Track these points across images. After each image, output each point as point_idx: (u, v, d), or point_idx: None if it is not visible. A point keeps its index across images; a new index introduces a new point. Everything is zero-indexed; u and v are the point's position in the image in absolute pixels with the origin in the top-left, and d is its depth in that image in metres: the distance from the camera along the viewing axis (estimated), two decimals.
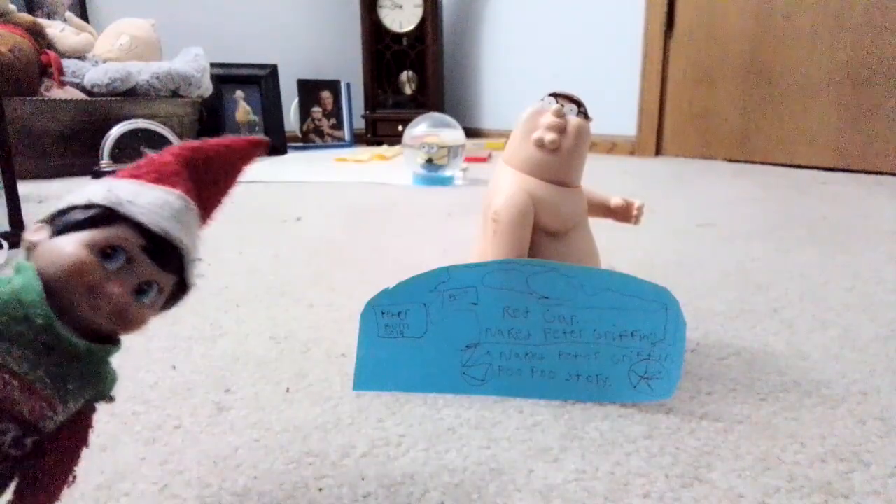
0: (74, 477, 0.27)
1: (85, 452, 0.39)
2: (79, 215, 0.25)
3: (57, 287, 0.24)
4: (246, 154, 0.31)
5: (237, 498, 0.35)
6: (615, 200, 0.55)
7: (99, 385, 0.26)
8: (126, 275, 0.25)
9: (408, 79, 2.81)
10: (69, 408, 0.25)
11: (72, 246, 0.24)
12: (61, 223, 0.25)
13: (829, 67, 1.77)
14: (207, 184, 0.30)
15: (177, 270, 0.27)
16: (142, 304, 0.26)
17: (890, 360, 0.52)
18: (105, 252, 0.24)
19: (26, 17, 1.83)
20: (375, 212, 1.22)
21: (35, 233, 0.25)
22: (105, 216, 0.25)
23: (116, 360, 0.53)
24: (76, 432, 0.26)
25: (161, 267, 0.26)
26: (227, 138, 0.31)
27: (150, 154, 0.29)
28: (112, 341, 0.26)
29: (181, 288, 0.29)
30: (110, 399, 0.27)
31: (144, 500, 0.34)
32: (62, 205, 0.25)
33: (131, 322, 0.25)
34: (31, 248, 0.25)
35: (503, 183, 0.50)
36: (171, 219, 0.26)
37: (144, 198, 0.26)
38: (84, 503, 0.34)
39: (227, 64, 2.37)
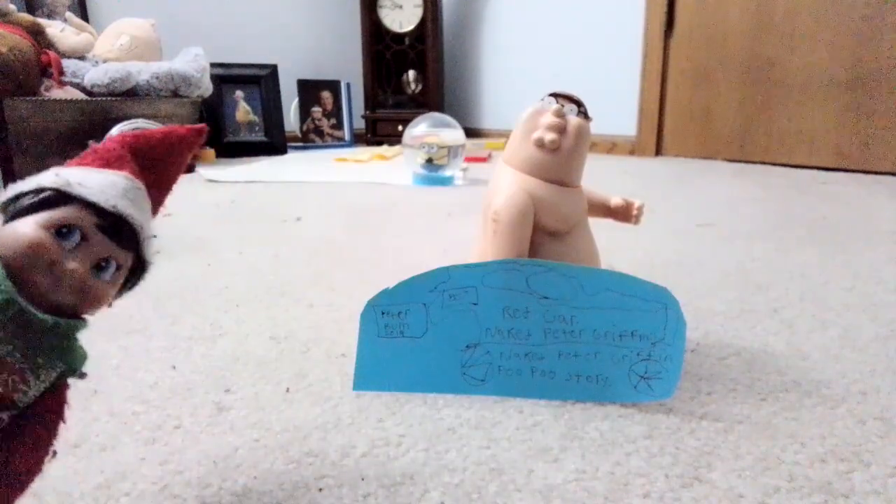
0: (55, 452, 0.27)
1: (85, 452, 0.39)
2: (30, 200, 0.26)
3: (17, 267, 0.24)
4: (188, 141, 0.32)
5: (237, 498, 0.35)
6: (615, 200, 0.55)
7: (68, 358, 0.27)
8: (83, 252, 0.26)
9: (414, 78, 2.81)
10: (41, 381, 0.26)
11: (28, 227, 0.25)
12: (13, 209, 0.26)
13: (829, 67, 1.77)
14: (153, 169, 0.31)
15: (133, 248, 0.28)
16: (101, 280, 0.27)
17: (890, 360, 0.52)
18: (60, 231, 0.25)
19: (26, 17, 1.83)
20: (375, 212, 1.22)
21: None
22: (56, 199, 0.26)
23: (116, 361, 0.53)
24: (51, 407, 0.27)
25: (117, 244, 0.27)
26: (169, 126, 0.31)
27: (95, 144, 0.29)
28: (76, 318, 0.27)
29: (140, 266, 0.30)
30: (82, 375, 0.28)
31: (144, 500, 0.34)
32: (11, 192, 0.26)
33: (92, 297, 0.27)
34: None
35: (503, 183, 0.50)
36: (121, 196, 0.27)
37: (92, 180, 0.27)
38: (84, 503, 0.34)
39: (227, 64, 2.37)
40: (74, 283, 0.25)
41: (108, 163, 0.28)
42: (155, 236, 0.30)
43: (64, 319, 0.26)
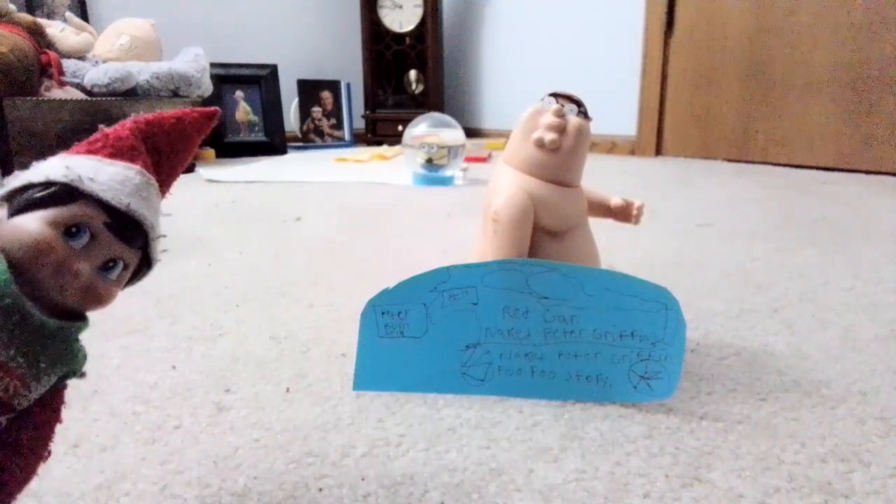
0: (49, 452, 0.27)
1: (85, 452, 0.39)
2: (38, 193, 0.24)
3: (22, 266, 0.24)
4: (200, 125, 0.31)
5: (237, 498, 0.35)
6: (615, 200, 0.55)
7: (70, 362, 0.26)
8: (91, 252, 0.25)
9: (416, 78, 2.81)
10: (42, 385, 0.25)
11: (36, 224, 0.24)
12: (20, 202, 0.24)
13: (829, 67, 1.77)
14: (164, 157, 0.30)
15: (141, 246, 0.27)
16: (108, 280, 0.26)
17: (890, 360, 0.52)
18: (69, 230, 0.24)
19: (26, 17, 1.83)
20: (375, 212, 1.22)
21: None
22: (65, 194, 0.25)
23: (116, 360, 0.53)
24: (49, 409, 0.26)
25: (126, 243, 0.26)
26: (179, 110, 0.30)
27: (105, 129, 0.28)
28: (80, 318, 0.27)
29: (146, 264, 0.29)
30: (82, 375, 0.28)
31: (144, 500, 0.34)
32: (17, 182, 0.25)
33: (99, 299, 0.25)
34: None
35: (503, 183, 0.50)
36: (133, 194, 0.26)
37: (104, 174, 0.26)
38: (84, 503, 0.34)
39: (227, 64, 2.37)
40: (82, 286, 0.25)
41: (119, 152, 0.27)
42: (164, 235, 0.29)
43: (67, 322, 0.25)
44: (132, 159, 0.27)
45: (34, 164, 0.26)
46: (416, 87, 2.83)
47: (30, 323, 0.24)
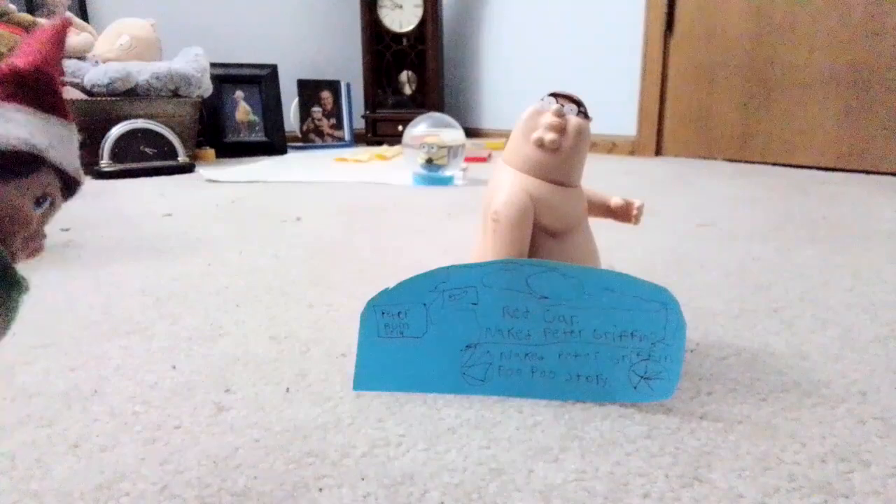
0: None
1: (85, 452, 0.39)
2: (2, 161, 0.25)
3: (1, 233, 0.25)
4: (59, 41, 0.29)
5: (237, 498, 0.35)
6: (615, 200, 0.55)
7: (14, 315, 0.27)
8: (47, 213, 0.27)
9: (408, 79, 2.81)
10: None
11: (18, 199, 0.25)
12: None
13: (829, 67, 1.77)
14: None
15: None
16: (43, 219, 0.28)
17: (890, 360, 0.52)
18: (38, 200, 0.26)
19: (26, 17, 1.83)
20: (375, 212, 1.22)
21: None
22: (30, 160, 0.26)
23: (116, 360, 0.53)
24: None
25: (65, 196, 0.28)
26: (36, 40, 0.28)
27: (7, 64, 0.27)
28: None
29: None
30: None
31: (144, 500, 0.34)
32: None
33: (41, 249, 0.28)
34: None
35: (503, 183, 0.50)
36: (76, 155, 0.28)
37: (54, 136, 0.27)
38: (84, 503, 0.34)
39: (227, 64, 2.37)
40: (38, 246, 0.27)
41: (40, 100, 0.27)
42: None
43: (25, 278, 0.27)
44: (54, 106, 0.28)
45: None
46: (409, 88, 2.82)
47: (8, 280, 0.25)
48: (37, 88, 0.27)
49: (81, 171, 0.28)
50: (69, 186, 0.28)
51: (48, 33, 0.28)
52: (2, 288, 0.25)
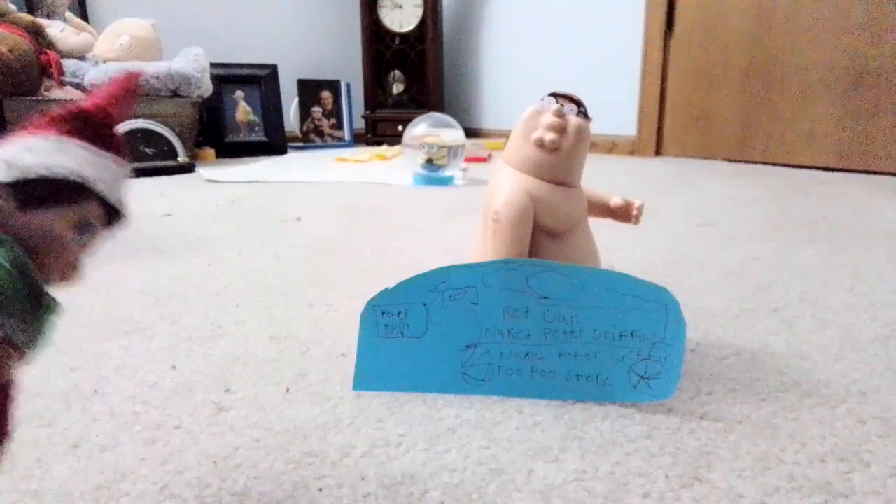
0: (8, 433, 0.29)
1: (85, 452, 0.39)
2: (49, 188, 0.26)
3: (38, 257, 0.26)
4: (129, 91, 0.31)
5: (237, 498, 0.35)
6: (615, 200, 0.55)
7: (47, 336, 0.28)
8: (88, 244, 0.28)
9: (394, 78, 2.80)
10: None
11: (59, 226, 0.26)
12: (29, 193, 0.26)
13: (829, 67, 1.77)
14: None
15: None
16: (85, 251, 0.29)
17: (890, 360, 0.52)
18: (79, 228, 0.27)
19: (26, 17, 1.83)
20: (375, 212, 1.22)
21: None
22: (75, 189, 0.26)
23: (116, 360, 0.53)
24: (5, 386, 0.28)
25: (108, 228, 0.29)
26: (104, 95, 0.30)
27: (70, 107, 0.28)
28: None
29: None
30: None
31: (144, 500, 0.34)
32: (23, 171, 0.25)
33: (80, 279, 0.28)
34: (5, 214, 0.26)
35: (503, 183, 0.50)
36: (121, 189, 0.29)
37: (103, 170, 0.28)
38: (84, 503, 0.34)
39: (227, 64, 2.37)
40: (79, 274, 0.27)
41: (95, 137, 0.28)
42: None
43: (57, 303, 0.27)
44: (113, 144, 0.29)
45: (19, 139, 0.26)
46: (397, 88, 2.82)
47: (42, 303, 0.26)
48: (97, 128, 0.28)
49: (127, 206, 0.29)
50: (113, 218, 0.29)
51: (120, 84, 0.30)
52: (35, 311, 0.25)
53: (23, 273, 0.24)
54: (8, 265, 0.24)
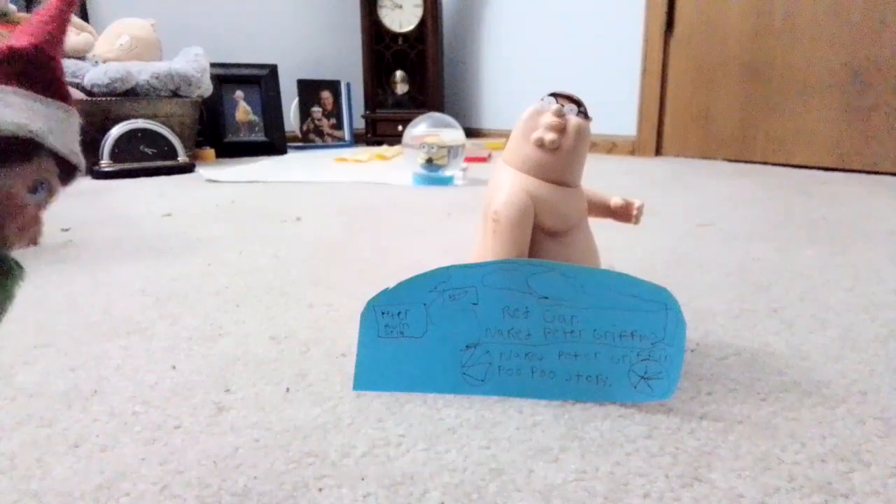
0: None
1: (85, 452, 0.39)
2: (2, 146, 0.24)
3: None
4: (62, 19, 0.28)
5: (237, 498, 0.35)
6: (615, 200, 0.55)
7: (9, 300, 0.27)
8: (44, 199, 0.27)
9: (401, 78, 2.81)
10: None
11: (12, 186, 0.25)
12: None
13: (829, 67, 1.77)
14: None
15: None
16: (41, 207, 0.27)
17: (890, 360, 0.52)
18: (34, 187, 0.26)
19: (27, 17, 1.83)
20: (375, 212, 1.22)
21: None
22: (27, 146, 0.25)
23: (116, 360, 0.53)
24: None
25: (63, 182, 0.28)
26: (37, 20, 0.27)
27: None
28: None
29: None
30: None
31: (144, 500, 0.34)
32: None
33: (39, 235, 0.27)
34: None
35: (503, 183, 0.50)
36: (75, 138, 0.27)
37: (53, 121, 0.26)
38: (84, 503, 0.34)
39: (227, 64, 2.37)
40: (35, 234, 0.26)
41: (38, 82, 0.26)
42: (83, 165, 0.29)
43: (20, 268, 0.26)
44: (56, 90, 0.27)
45: None
46: (401, 88, 2.82)
47: (3, 273, 0.25)
48: (36, 70, 0.26)
49: (81, 156, 0.27)
50: (68, 172, 0.27)
51: (51, 11, 0.26)
52: None
53: None
54: None
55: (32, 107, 0.25)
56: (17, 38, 0.26)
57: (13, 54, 0.25)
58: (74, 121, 0.27)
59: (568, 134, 0.49)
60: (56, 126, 0.26)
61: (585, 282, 0.44)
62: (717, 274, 0.77)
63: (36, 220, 0.26)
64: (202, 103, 2.16)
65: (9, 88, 0.25)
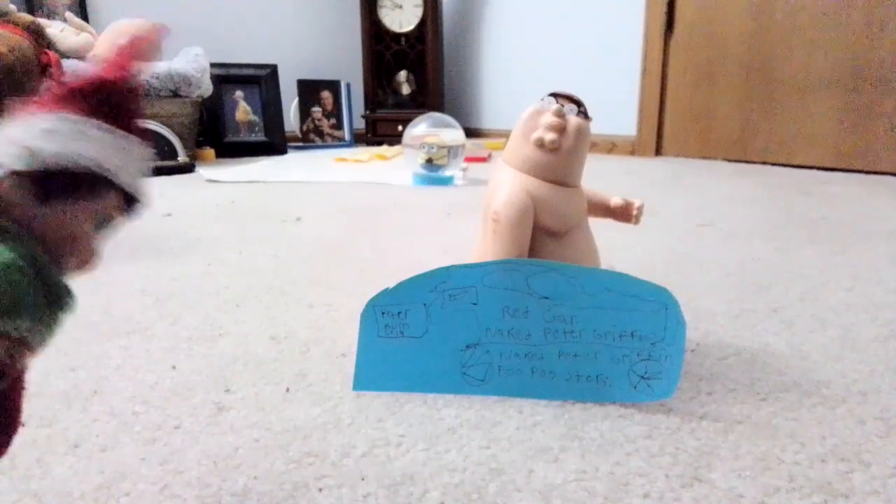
0: (23, 423, 0.27)
1: (85, 452, 0.39)
2: (71, 180, 0.24)
3: (56, 252, 0.25)
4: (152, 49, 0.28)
5: (237, 498, 0.35)
6: (615, 200, 0.55)
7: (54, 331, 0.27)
8: (106, 235, 0.27)
9: (406, 79, 2.81)
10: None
11: (80, 223, 0.25)
12: (50, 185, 0.24)
13: (829, 67, 1.77)
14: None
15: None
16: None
17: (890, 360, 0.52)
18: (99, 222, 0.26)
19: (26, 17, 1.83)
20: (375, 212, 1.22)
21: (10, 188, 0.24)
22: (96, 181, 0.25)
23: (116, 360, 0.53)
24: (18, 378, 0.26)
25: (127, 216, 0.28)
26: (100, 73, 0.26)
27: (71, 81, 0.25)
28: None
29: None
30: None
31: (144, 500, 0.34)
32: (45, 162, 0.24)
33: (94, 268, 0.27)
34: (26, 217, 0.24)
35: (503, 183, 0.50)
36: (140, 174, 0.27)
37: (126, 158, 0.26)
38: (84, 503, 0.34)
39: (227, 64, 2.37)
40: (96, 265, 0.26)
41: (111, 115, 0.26)
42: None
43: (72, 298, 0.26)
44: (128, 121, 0.26)
45: (33, 117, 0.24)
46: (406, 88, 2.82)
47: (58, 303, 0.25)
48: (120, 105, 0.26)
49: (146, 193, 0.27)
50: (132, 204, 0.27)
51: (135, 44, 0.26)
52: (50, 310, 0.24)
53: (40, 273, 0.23)
54: (25, 265, 0.23)
55: (110, 142, 0.25)
56: (107, 68, 0.25)
57: (103, 85, 0.25)
58: (144, 158, 0.27)
59: (568, 134, 0.49)
60: (129, 163, 0.26)
61: (585, 282, 0.44)
62: (717, 274, 0.77)
63: (95, 252, 0.26)
64: (202, 103, 2.16)
65: (93, 122, 0.25)
